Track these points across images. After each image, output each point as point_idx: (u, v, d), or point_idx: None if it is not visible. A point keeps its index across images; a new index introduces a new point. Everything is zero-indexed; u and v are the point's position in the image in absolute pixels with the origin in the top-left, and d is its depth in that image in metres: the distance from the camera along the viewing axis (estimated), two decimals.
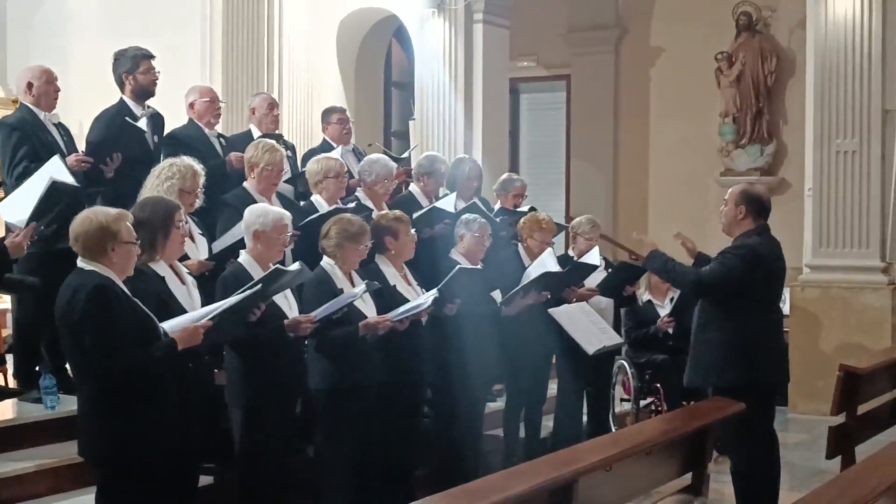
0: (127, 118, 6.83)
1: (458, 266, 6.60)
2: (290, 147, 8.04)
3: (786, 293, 11.20)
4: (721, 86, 12.73)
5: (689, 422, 5.06)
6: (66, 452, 5.70)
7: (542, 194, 14.08)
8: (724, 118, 12.75)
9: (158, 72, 7.18)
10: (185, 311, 4.91)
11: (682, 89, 13.05)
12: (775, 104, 12.61)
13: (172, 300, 4.96)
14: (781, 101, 12.61)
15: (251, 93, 10.12)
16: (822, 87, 9.94)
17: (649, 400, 8.66)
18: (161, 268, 5.02)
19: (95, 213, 4.65)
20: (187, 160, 5.97)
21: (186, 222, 5.38)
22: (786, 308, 11.30)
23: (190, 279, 5.19)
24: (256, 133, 7.83)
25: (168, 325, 4.72)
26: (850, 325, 9.90)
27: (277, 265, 5.31)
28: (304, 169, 7.23)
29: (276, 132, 7.99)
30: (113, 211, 4.68)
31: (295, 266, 5.42)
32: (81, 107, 8.27)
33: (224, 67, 10.75)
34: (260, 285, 5.04)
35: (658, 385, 8.55)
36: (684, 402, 7.97)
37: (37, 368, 6.57)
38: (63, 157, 6.25)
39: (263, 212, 5.69)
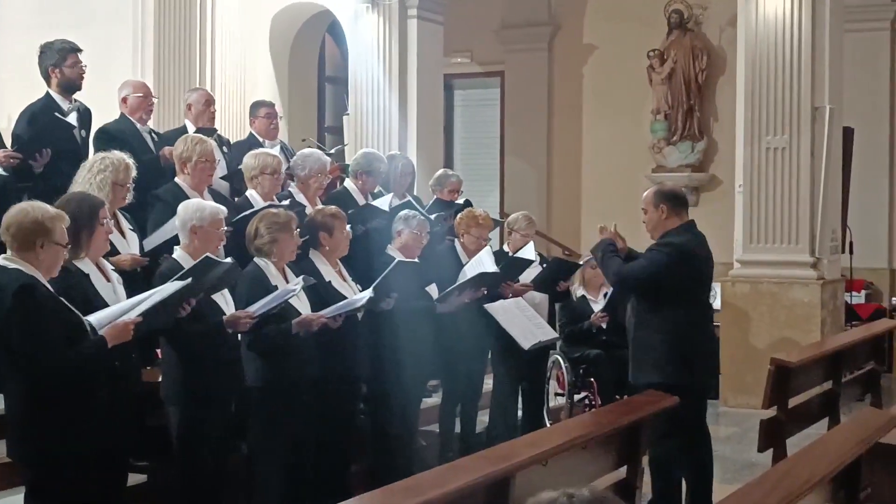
0: (56, 113, 6.72)
1: (398, 260, 6.57)
2: (226, 143, 7.96)
3: (716, 288, 11.32)
4: (653, 83, 12.87)
5: (624, 416, 5.07)
6: None
7: (476, 190, 14.07)
8: (655, 115, 12.88)
9: (85, 65, 7.11)
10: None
11: (615, 86, 13.17)
12: (706, 102, 12.77)
13: (97, 298, 4.87)
14: (712, 98, 12.77)
15: (183, 87, 10.05)
16: (752, 85, 10.04)
17: (583, 394, 8.70)
18: (85, 265, 4.93)
19: (34, 207, 4.56)
20: (119, 154, 5.89)
21: (113, 218, 5.31)
22: (716, 303, 11.44)
23: (115, 276, 5.10)
24: (192, 129, 7.74)
25: (94, 318, 4.65)
26: (779, 319, 10.01)
27: (207, 255, 5.25)
28: (240, 166, 7.17)
29: (212, 128, 7.91)
30: (52, 210, 4.61)
31: (227, 259, 5.37)
32: (11, 100, 8.15)
33: (155, 61, 10.62)
34: (191, 278, 4.97)
35: (592, 379, 8.59)
36: (618, 397, 8.03)
37: None
38: None
39: (199, 206, 5.63)
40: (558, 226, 13.61)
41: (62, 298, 4.56)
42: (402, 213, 7.17)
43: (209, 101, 8.02)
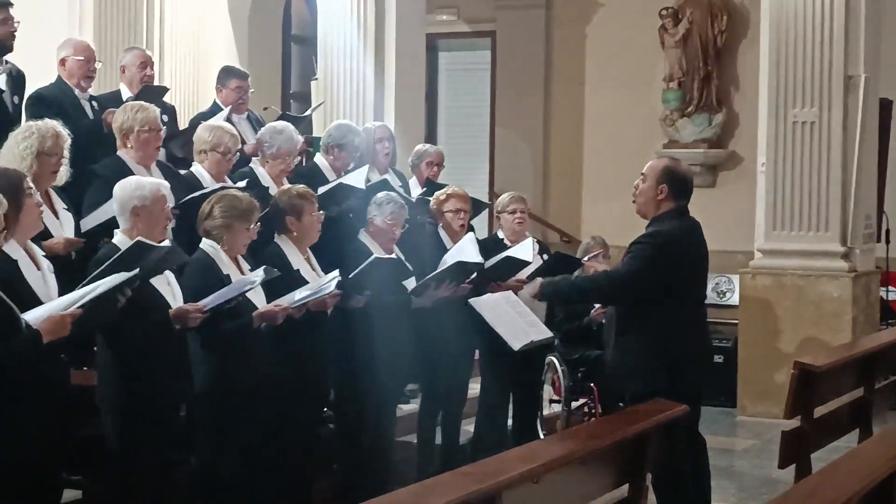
0: None
1: (375, 256, 6.54)
2: (170, 110, 7.94)
3: (734, 281, 11.40)
4: (665, 46, 12.87)
5: (627, 426, 5.09)
6: None
7: (462, 167, 14.09)
8: (668, 83, 12.89)
9: (18, 22, 7.09)
10: (38, 301, 4.81)
11: (622, 50, 13.16)
12: (726, 68, 12.78)
13: (24, 288, 4.84)
14: (733, 64, 12.78)
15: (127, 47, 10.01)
16: (777, 50, 10.06)
17: (582, 401, 8.73)
18: (13, 249, 4.88)
19: None
20: (50, 122, 5.88)
21: (47, 193, 5.30)
22: (734, 298, 11.51)
23: (46, 263, 5.08)
24: (126, 94, 7.80)
25: (31, 316, 4.64)
26: (805, 317, 10.06)
27: (139, 239, 5.23)
28: (184, 128, 7.13)
29: (163, 87, 7.93)
30: None
31: (165, 243, 5.37)
32: None
33: (96, 16, 10.58)
34: (137, 269, 4.95)
35: (592, 384, 8.62)
36: (621, 404, 8.03)
37: None
38: None
39: (139, 184, 5.62)
40: (556, 208, 13.63)
41: None
42: (378, 195, 7.17)
43: (145, 63, 8.09)
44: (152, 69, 8.15)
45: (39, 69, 7.52)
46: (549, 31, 13.72)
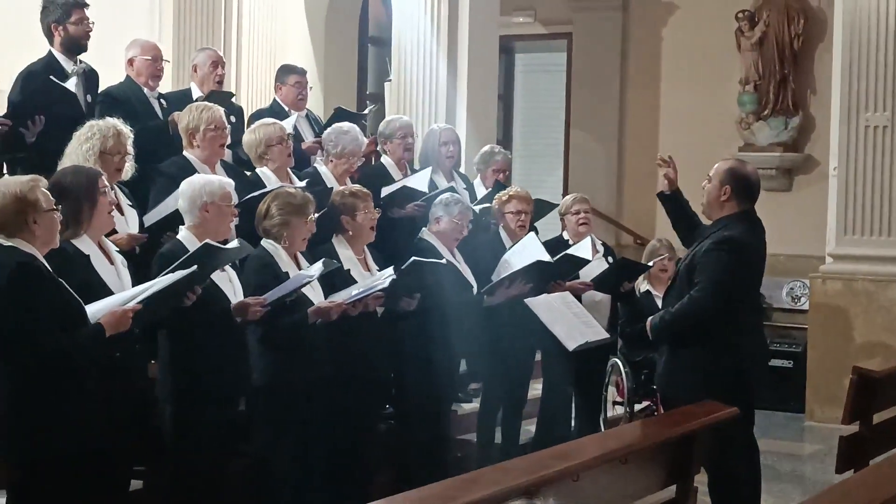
0: (52, 77, 6.85)
1: (413, 259, 6.56)
2: (237, 111, 8.07)
3: (805, 285, 11.30)
4: (742, 49, 12.77)
5: (673, 427, 5.09)
6: None
7: (536, 169, 14.18)
8: (744, 86, 12.79)
9: (93, 22, 7.22)
10: (112, 294, 4.94)
11: (698, 52, 13.08)
12: (802, 71, 12.65)
13: (98, 282, 4.99)
14: (809, 67, 12.64)
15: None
16: (850, 54, 9.99)
17: (645, 403, 8.71)
18: (85, 244, 5.04)
19: (6, 185, 4.67)
20: (111, 121, 6.01)
21: (113, 190, 5.43)
22: (805, 302, 11.42)
23: (119, 258, 5.23)
24: (197, 93, 7.91)
25: (92, 309, 4.76)
26: (875, 322, 9.97)
27: (208, 241, 5.36)
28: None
29: (228, 91, 8.04)
30: (23, 178, 4.71)
31: (233, 244, 5.48)
32: (13, 58, 8.26)
33: (175, 18, 10.75)
34: (195, 267, 5.07)
35: (655, 387, 8.59)
36: None
37: None
38: None
39: (207, 181, 5.76)
40: (630, 210, 13.59)
41: (61, 280, 4.67)
42: (443, 196, 7.25)
43: (216, 63, 8.16)
44: (223, 69, 8.25)
45: (120, 69, 7.69)
46: (626, 33, 13.67)
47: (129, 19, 10.21)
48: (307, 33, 11.73)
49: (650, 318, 6.55)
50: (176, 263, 5.15)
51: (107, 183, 5.21)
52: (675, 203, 6.66)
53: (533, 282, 7.24)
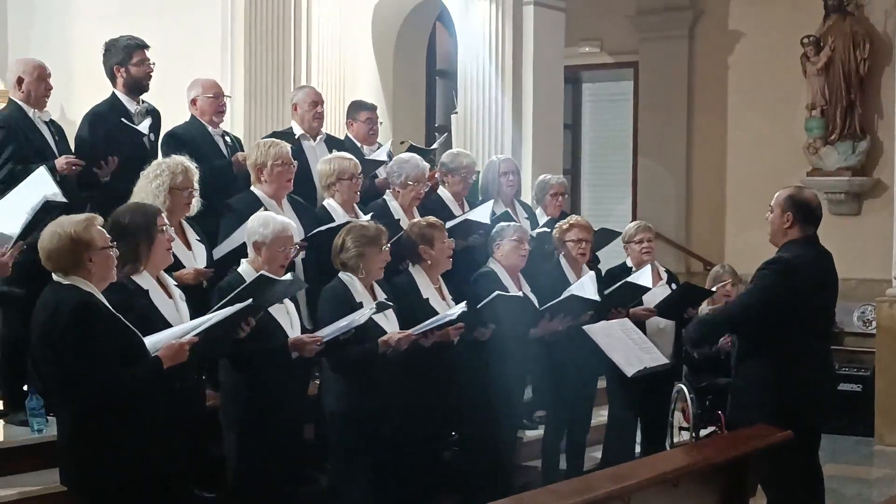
0: (123, 118, 7.05)
1: (497, 293, 6.70)
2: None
3: (872, 310, 11.24)
4: (808, 75, 12.73)
5: (726, 450, 5.13)
6: (52, 479, 5.84)
7: (604, 197, 14.23)
8: (811, 111, 12.75)
9: (153, 63, 7.39)
10: (170, 327, 5.08)
11: (765, 78, 13.08)
12: (869, 95, 12.58)
13: (157, 316, 5.14)
14: (876, 92, 12.57)
15: (275, 83, 10.38)
16: None
17: (710, 429, 8.71)
18: (145, 280, 5.20)
19: (62, 226, 4.76)
20: (178, 158, 6.19)
21: (178, 228, 5.59)
22: (872, 327, 11.35)
23: (177, 292, 5.37)
24: (298, 131, 8.00)
25: (151, 341, 4.88)
26: None
27: (263, 272, 5.50)
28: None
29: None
30: (78, 217, 4.82)
31: (287, 276, 5.62)
32: (84, 97, 8.48)
33: (246, 55, 10.88)
34: (250, 299, 5.21)
35: (719, 413, 8.60)
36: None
37: (24, 388, 6.71)
38: (50, 167, 6.32)
39: (265, 222, 5.90)
40: (699, 237, 13.59)
41: (119, 315, 4.79)
42: (497, 226, 7.37)
43: (316, 101, 8.16)
44: (322, 107, 8.24)
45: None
46: (692, 61, 13.70)
47: (200, 56, 10.37)
48: (375, 68, 11.87)
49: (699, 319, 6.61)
50: (231, 295, 5.29)
51: (166, 220, 5.35)
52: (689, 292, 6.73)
53: (572, 314, 7.32)
